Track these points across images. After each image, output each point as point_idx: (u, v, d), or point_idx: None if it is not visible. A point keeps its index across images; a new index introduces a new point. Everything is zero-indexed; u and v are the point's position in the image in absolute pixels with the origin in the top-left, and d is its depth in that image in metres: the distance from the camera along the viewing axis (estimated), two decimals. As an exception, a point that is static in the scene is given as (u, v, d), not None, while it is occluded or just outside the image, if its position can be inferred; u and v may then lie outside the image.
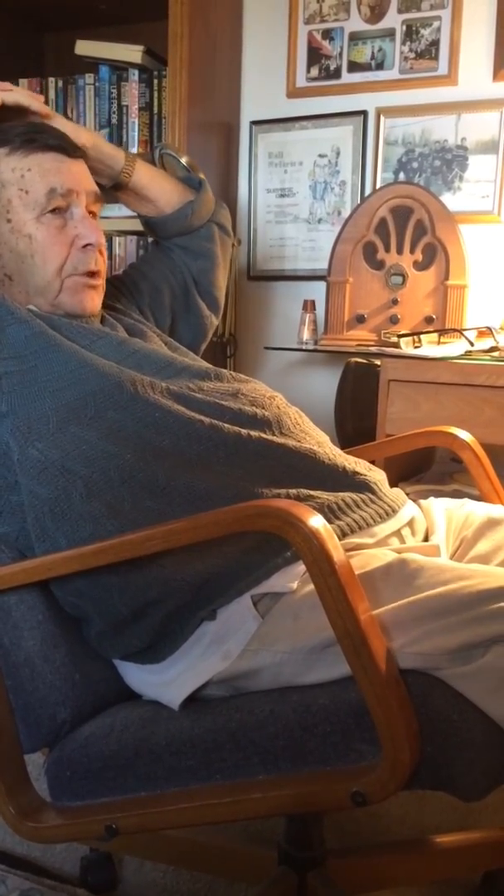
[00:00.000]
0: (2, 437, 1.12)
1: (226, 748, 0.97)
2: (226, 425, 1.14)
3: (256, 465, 1.12)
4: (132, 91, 2.53)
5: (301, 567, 1.02)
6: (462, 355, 2.02)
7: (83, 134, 1.35)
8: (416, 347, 2.08)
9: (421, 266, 2.34)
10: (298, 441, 1.18)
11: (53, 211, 1.22)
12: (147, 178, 1.48)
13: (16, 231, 1.22)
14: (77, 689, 1.09)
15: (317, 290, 2.54)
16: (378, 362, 2.08)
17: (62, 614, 1.12)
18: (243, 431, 1.14)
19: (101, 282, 1.28)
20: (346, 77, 2.56)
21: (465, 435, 1.46)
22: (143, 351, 1.24)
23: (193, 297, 1.53)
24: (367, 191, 2.55)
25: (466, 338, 2.09)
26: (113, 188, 1.47)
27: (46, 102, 2.57)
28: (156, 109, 2.52)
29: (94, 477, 1.08)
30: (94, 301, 1.27)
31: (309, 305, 2.49)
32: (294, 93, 2.63)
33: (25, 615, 1.08)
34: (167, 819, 1.01)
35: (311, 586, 0.96)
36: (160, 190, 1.50)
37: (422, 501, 1.33)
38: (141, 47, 2.50)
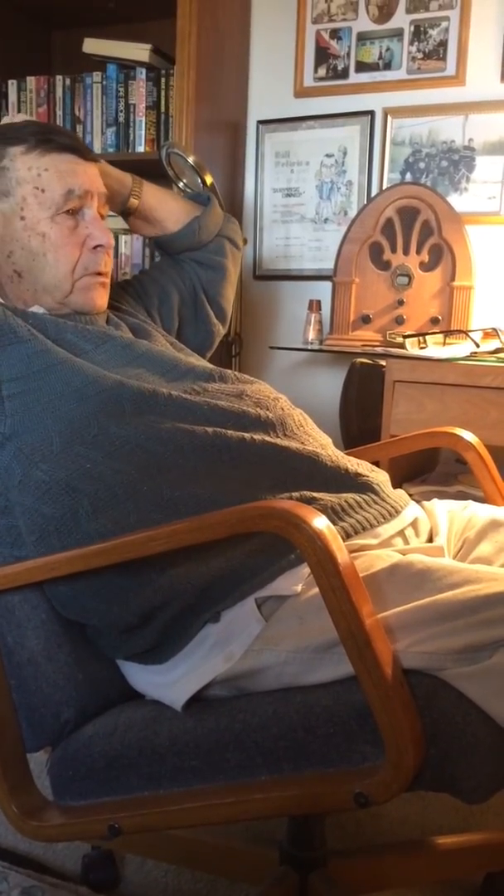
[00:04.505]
0: (2, 461, 1.11)
1: (229, 749, 0.97)
2: (229, 430, 1.13)
3: (260, 468, 1.12)
4: (139, 90, 2.53)
5: (305, 570, 1.02)
6: (467, 356, 2.02)
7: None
8: (421, 348, 2.08)
9: (427, 267, 2.34)
10: (302, 443, 1.18)
11: (67, 211, 1.23)
12: (155, 199, 1.49)
13: (29, 228, 1.23)
14: (80, 688, 1.09)
15: (322, 290, 2.53)
16: (383, 363, 2.08)
17: (66, 614, 1.12)
18: (247, 435, 1.14)
19: (108, 280, 1.30)
20: (354, 77, 2.55)
21: (469, 436, 1.46)
22: (149, 353, 1.24)
23: (202, 303, 1.54)
24: (374, 191, 2.55)
25: (472, 339, 2.08)
26: (121, 214, 1.46)
27: (53, 100, 2.64)
28: (163, 108, 2.52)
29: (99, 494, 1.07)
30: (103, 297, 1.30)
31: (314, 305, 2.48)
32: (301, 92, 2.63)
33: (29, 614, 1.08)
34: (170, 819, 1.01)
35: (315, 589, 0.96)
36: (167, 210, 1.51)
37: (425, 503, 1.33)
38: (148, 46, 2.50)
